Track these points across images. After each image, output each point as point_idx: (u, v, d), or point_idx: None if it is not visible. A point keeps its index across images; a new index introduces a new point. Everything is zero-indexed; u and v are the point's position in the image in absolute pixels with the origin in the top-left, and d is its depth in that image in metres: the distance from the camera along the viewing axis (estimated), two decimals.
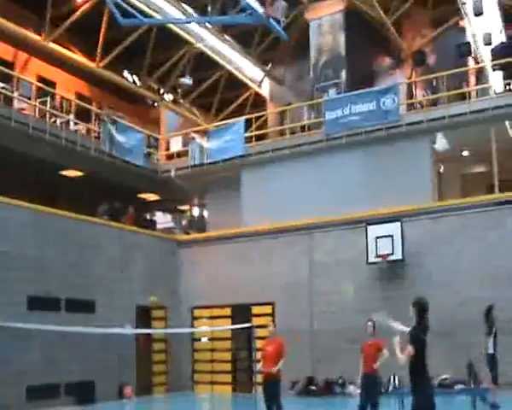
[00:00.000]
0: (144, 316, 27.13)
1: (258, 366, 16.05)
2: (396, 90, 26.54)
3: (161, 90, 35.71)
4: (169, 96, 36.47)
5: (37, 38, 28.38)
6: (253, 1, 13.47)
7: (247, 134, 29.86)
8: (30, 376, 21.56)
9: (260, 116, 33.06)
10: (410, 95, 29.12)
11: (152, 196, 33.33)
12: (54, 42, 28.79)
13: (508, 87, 26.08)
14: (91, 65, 30.56)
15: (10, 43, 28.85)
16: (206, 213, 33.70)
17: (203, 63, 33.89)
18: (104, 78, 31.77)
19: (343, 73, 31.25)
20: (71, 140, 26.81)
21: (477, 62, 29.49)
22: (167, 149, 33.46)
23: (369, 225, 24.63)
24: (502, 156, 25.02)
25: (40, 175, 27.69)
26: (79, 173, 28.84)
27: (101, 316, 24.56)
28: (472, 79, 29.79)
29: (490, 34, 26.45)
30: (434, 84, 29.20)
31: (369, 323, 15.48)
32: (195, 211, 36.41)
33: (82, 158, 27.65)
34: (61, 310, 23.10)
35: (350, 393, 23.76)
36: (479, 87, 27.93)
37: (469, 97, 26.40)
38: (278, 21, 13.98)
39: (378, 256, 24.19)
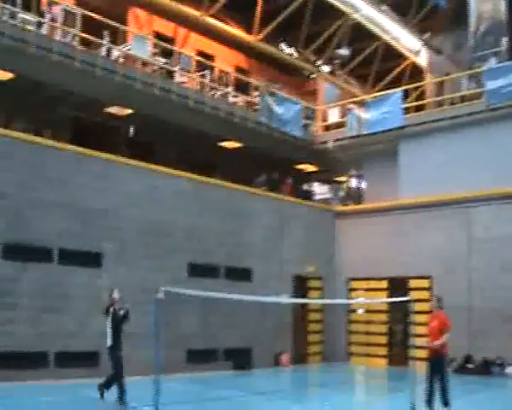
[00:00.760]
0: (300, 286, 27.38)
1: (425, 342, 15.98)
2: None
3: (318, 62, 35.62)
4: (326, 68, 36.35)
5: (196, 13, 28.97)
6: None
7: (405, 105, 29.35)
8: (190, 340, 22.35)
9: (418, 87, 32.48)
10: None
11: (309, 167, 33.42)
12: (212, 16, 29.35)
13: None
14: (249, 38, 30.98)
15: (171, 20, 29.56)
16: (363, 185, 33.48)
17: (360, 34, 33.60)
18: (262, 50, 32.13)
19: (504, 41, 30.14)
20: (229, 112, 27.30)
21: None
22: (324, 120, 33.37)
23: None
24: None
25: (199, 146, 28.35)
26: (237, 145, 29.28)
27: (258, 284, 25.02)
28: None
29: None
30: None
31: None
32: (352, 182, 36.25)
33: (240, 130, 28.09)
34: (220, 277, 23.69)
35: (509, 373, 23.12)
36: None
37: None
38: None
39: None
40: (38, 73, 21.94)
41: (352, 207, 31.66)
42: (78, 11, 22.87)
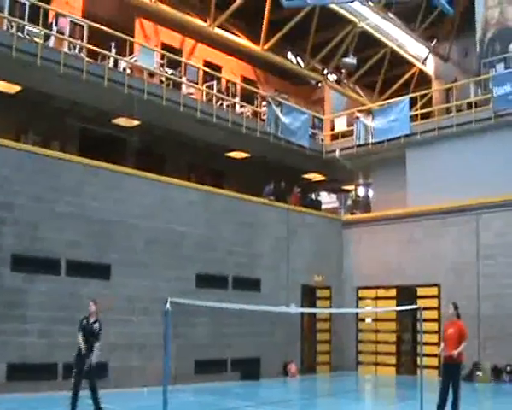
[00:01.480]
0: (309, 295, 27.41)
1: (440, 349, 16.00)
2: None
3: (325, 71, 35.70)
4: (333, 77, 36.43)
5: (203, 24, 29.12)
6: None
7: (412, 113, 29.37)
8: (198, 350, 22.41)
9: (425, 94, 32.45)
10: None
11: (317, 177, 33.48)
12: (219, 27, 29.49)
13: None
14: (256, 48, 31.10)
15: (177, 31, 29.63)
16: (371, 193, 33.49)
17: (366, 42, 33.72)
18: (268, 60, 32.19)
19: (511, 47, 30.08)
20: (237, 123, 27.31)
21: None
22: (332, 129, 33.42)
23: None
24: None
25: (208, 157, 28.48)
26: (245, 155, 29.41)
27: (267, 294, 25.04)
28: None
29: None
30: None
31: None
32: (360, 191, 36.27)
33: (248, 140, 28.13)
34: (228, 288, 23.74)
35: None
36: None
37: None
38: None
39: None
40: (46, 85, 22.10)
41: (359, 215, 31.65)
42: (85, 23, 23.00)
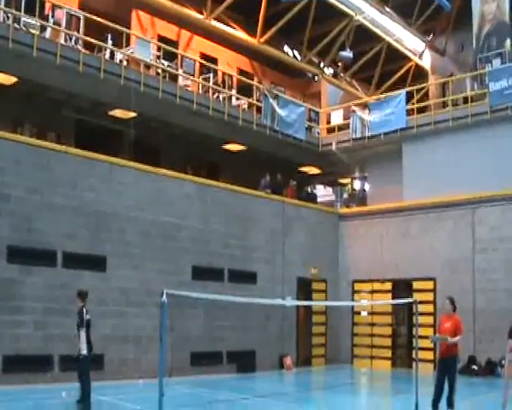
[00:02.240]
0: (305, 288, 27.44)
1: (436, 336, 16.15)
2: None
3: (322, 64, 35.66)
4: (329, 70, 36.40)
5: (200, 16, 29.02)
6: None
7: (409, 107, 29.39)
8: (194, 342, 22.43)
9: (421, 88, 32.46)
10: None
11: (313, 170, 33.49)
12: (215, 19, 29.38)
13: None
14: (252, 41, 31.01)
15: (174, 23, 29.57)
16: (367, 187, 33.52)
17: (363, 36, 33.65)
18: (265, 53, 32.13)
19: (508, 42, 30.07)
20: (233, 115, 27.29)
21: None
22: (328, 122, 33.42)
23: None
24: None
25: (204, 149, 28.47)
26: (241, 147, 29.36)
27: (263, 287, 25.06)
28: None
29: None
30: None
31: None
32: (356, 184, 36.29)
33: (244, 132, 28.13)
34: (224, 280, 23.74)
35: None
36: None
37: None
38: None
39: None
40: (42, 77, 22.02)
41: (355, 209, 31.65)
42: (82, 15, 22.96)
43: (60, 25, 22.41)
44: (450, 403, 15.52)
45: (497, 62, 28.89)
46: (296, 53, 35.24)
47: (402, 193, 28.64)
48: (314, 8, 31.04)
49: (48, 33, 22.10)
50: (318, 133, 32.26)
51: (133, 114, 25.02)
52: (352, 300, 28.75)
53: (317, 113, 33.09)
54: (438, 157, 27.62)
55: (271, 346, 25.37)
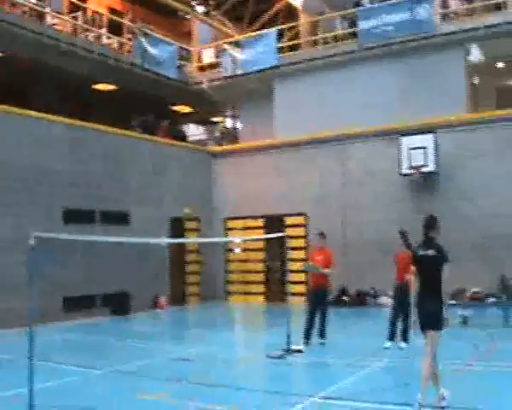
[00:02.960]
0: (178, 228, 27.55)
1: (308, 264, 16.66)
2: (430, 0, 25.96)
3: (193, 3, 35.25)
4: (201, 8, 36.02)
5: None
6: None
7: (280, 45, 29.56)
8: (66, 287, 22.25)
9: (293, 27, 32.63)
10: (445, 4, 28.40)
11: (185, 108, 33.41)
12: None
13: None
14: None
15: None
16: (238, 125, 33.70)
17: None
18: None
19: None
20: (104, 54, 26.79)
21: None
22: (199, 61, 33.26)
23: (403, 136, 24.50)
24: None
25: (73, 90, 27.89)
26: (112, 87, 28.97)
27: (136, 228, 25.01)
28: None
29: None
30: None
31: (399, 235, 15.67)
32: (228, 122, 36.41)
33: (115, 72, 27.71)
34: (96, 223, 23.55)
35: (382, 303, 24.12)
36: None
37: (505, 7, 25.65)
38: None
39: (411, 168, 24.15)
40: None
41: (227, 147, 31.84)
42: None
43: None
44: (321, 334, 16.14)
45: (366, 2, 29.28)
46: None
47: (274, 131, 28.97)
48: None
49: None
50: (190, 72, 32.05)
51: None
52: (225, 237, 29.10)
53: (189, 51, 32.86)
54: (309, 95, 28.03)
55: (145, 287, 25.41)
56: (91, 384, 12.09)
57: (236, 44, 30.74)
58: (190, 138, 33.68)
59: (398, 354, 14.72)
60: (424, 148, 23.91)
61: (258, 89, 29.87)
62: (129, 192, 25.41)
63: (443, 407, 9.55)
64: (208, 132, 37.81)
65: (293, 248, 24.67)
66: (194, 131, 37.50)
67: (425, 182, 24.32)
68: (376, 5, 27.64)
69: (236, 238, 29.12)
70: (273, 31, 29.62)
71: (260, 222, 28.32)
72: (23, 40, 23.77)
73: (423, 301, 9.79)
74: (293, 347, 14.93)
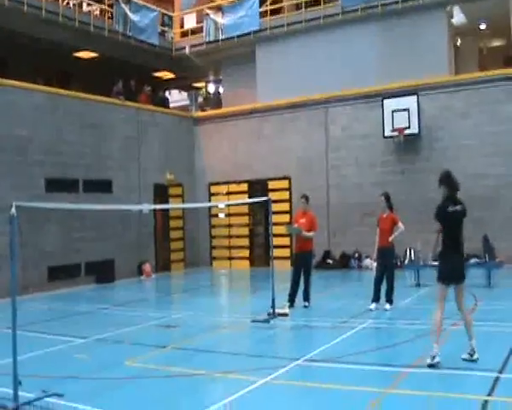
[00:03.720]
0: (161, 194, 27.56)
1: (291, 226, 16.81)
2: None
3: None
4: None
5: None
6: None
7: (262, 9, 29.35)
8: (50, 257, 22.27)
9: None
10: None
11: (167, 75, 33.24)
12: None
13: None
14: None
15: None
16: (221, 90, 33.61)
17: None
18: None
19: None
20: (84, 22, 26.48)
21: None
22: (181, 26, 33.02)
23: (386, 98, 24.54)
24: None
25: (54, 58, 27.56)
26: (94, 54, 28.74)
27: (119, 195, 24.97)
28: None
29: None
30: None
31: (382, 197, 15.74)
32: (211, 88, 36.29)
33: (96, 39, 27.40)
34: (79, 191, 23.48)
35: (366, 266, 24.29)
36: None
37: None
38: None
39: (394, 130, 24.20)
40: None
41: (210, 112, 31.84)
42: None
43: None
44: (306, 297, 16.26)
45: None
46: None
47: (256, 95, 28.94)
48: None
49: None
50: (172, 38, 31.87)
51: None
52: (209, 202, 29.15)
53: (171, 17, 32.61)
54: (291, 59, 28.01)
55: (130, 254, 25.47)
56: (77, 353, 12.10)
57: (219, 9, 30.50)
58: (173, 104, 33.52)
59: (382, 315, 14.83)
60: (407, 110, 23.96)
61: (240, 54, 29.78)
62: (111, 160, 25.30)
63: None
64: (191, 98, 37.67)
65: (278, 212, 24.77)
66: (176, 96, 37.35)
67: (408, 144, 24.35)
68: None
69: (220, 203, 29.18)
70: None
71: (244, 187, 28.35)
72: (2, 9, 23.44)
73: (452, 255, 10.12)
74: (278, 310, 15.00)
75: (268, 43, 28.88)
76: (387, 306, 15.39)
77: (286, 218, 25.64)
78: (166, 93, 33.40)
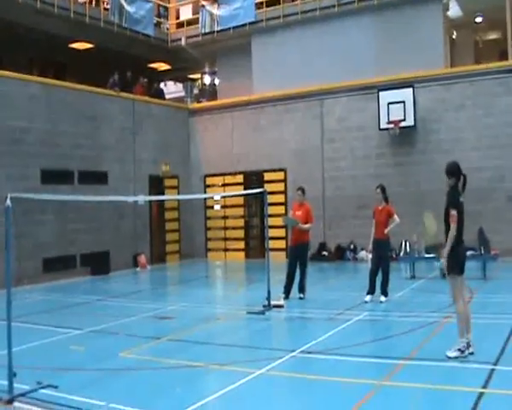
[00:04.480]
0: (157, 186, 27.54)
1: (288, 217, 16.80)
2: None
3: None
4: None
5: None
6: None
7: (258, 0, 29.25)
8: (46, 248, 22.25)
9: None
10: None
11: (162, 66, 33.15)
12: None
13: None
14: None
15: None
16: (217, 81, 33.58)
17: None
18: None
19: None
20: (80, 12, 26.38)
21: None
22: (177, 17, 32.93)
23: (381, 90, 24.54)
24: None
25: (49, 49, 27.50)
26: (89, 45, 28.61)
27: (114, 187, 24.97)
28: None
29: None
30: None
31: (378, 189, 15.75)
32: (206, 79, 36.24)
33: (91, 30, 27.28)
34: (74, 182, 23.46)
35: (361, 258, 24.30)
36: None
37: None
38: None
39: (390, 122, 24.20)
40: None
41: (205, 104, 31.81)
42: None
43: None
44: (301, 288, 16.29)
45: None
46: None
47: (252, 87, 28.90)
48: None
49: None
50: (167, 29, 31.78)
51: None
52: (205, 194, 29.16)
53: (166, 8, 32.52)
54: (287, 50, 27.99)
55: (125, 246, 25.50)
56: (72, 344, 12.10)
57: (214, 1, 30.42)
58: (168, 96, 33.45)
59: (377, 307, 14.85)
60: (402, 102, 23.98)
61: (236, 45, 29.75)
62: (107, 151, 25.27)
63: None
64: (186, 89, 37.62)
65: (273, 204, 24.80)
66: (172, 88, 37.28)
67: (403, 136, 24.34)
68: None
69: (216, 195, 29.17)
70: None
71: (240, 178, 28.36)
72: None
73: (462, 245, 10.33)
74: (274, 302, 15.02)
75: (264, 35, 28.83)
76: (382, 298, 15.40)
77: (281, 209, 25.71)
78: (162, 84, 33.29)
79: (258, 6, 29.04)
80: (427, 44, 24.90)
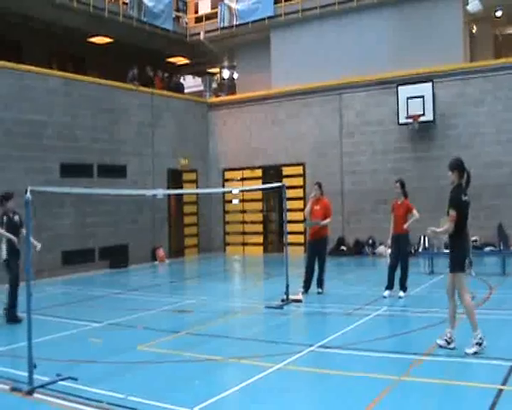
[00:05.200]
0: (175, 179, 27.56)
1: (308, 221, 16.70)
2: None
3: None
4: None
5: None
6: None
7: None
8: (65, 241, 22.34)
9: None
10: None
11: (181, 60, 33.21)
12: None
13: None
14: None
15: None
16: (235, 75, 33.58)
17: None
18: None
19: None
20: (99, 7, 26.42)
21: None
22: (196, 11, 32.95)
23: (400, 85, 24.45)
24: None
25: (69, 43, 27.62)
26: (108, 40, 28.70)
27: (133, 181, 25.07)
28: None
29: None
30: None
31: (397, 184, 15.69)
32: (225, 73, 36.23)
33: (110, 24, 27.37)
34: (93, 176, 23.53)
35: (379, 253, 24.24)
36: None
37: None
38: None
39: (409, 117, 24.11)
40: None
41: (224, 98, 31.82)
42: None
43: None
44: (320, 283, 16.27)
45: None
46: None
47: (270, 81, 28.89)
48: None
49: None
50: (186, 23, 31.84)
51: None
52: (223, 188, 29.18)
53: (185, 2, 32.55)
54: (305, 44, 27.96)
55: (144, 239, 25.59)
56: (91, 337, 12.15)
57: None
58: (187, 90, 33.46)
59: (396, 302, 14.81)
60: (422, 97, 23.89)
61: (255, 39, 29.77)
62: (125, 145, 25.34)
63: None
64: (205, 83, 37.63)
65: (292, 198, 24.80)
66: (191, 82, 37.30)
67: (422, 131, 24.25)
68: None
69: (234, 189, 29.17)
70: None
71: (258, 172, 28.35)
72: None
73: (464, 245, 10.34)
74: (292, 296, 15.02)
75: (282, 29, 28.81)
76: (401, 293, 15.36)
77: (300, 204, 25.65)
78: (181, 79, 33.32)
79: (277, 0, 29.01)
80: (446, 39, 24.80)
